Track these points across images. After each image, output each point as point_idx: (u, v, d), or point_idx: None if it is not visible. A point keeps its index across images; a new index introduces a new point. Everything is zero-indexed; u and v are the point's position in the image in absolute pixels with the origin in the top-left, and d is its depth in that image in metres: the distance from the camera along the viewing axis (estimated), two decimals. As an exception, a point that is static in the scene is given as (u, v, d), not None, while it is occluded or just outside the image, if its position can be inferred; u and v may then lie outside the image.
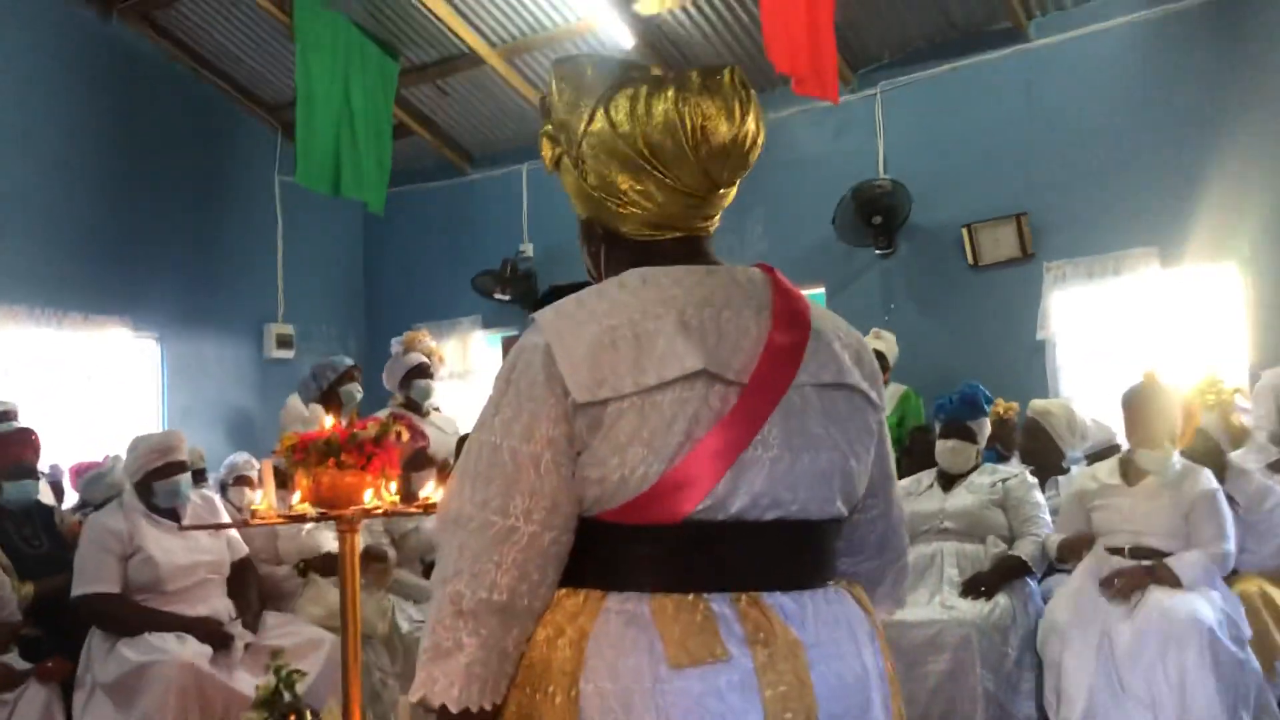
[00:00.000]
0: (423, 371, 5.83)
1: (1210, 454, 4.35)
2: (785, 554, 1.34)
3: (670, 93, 1.35)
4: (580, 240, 1.54)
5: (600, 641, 1.27)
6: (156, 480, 4.00)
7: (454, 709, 1.27)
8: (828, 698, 1.28)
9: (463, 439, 5.36)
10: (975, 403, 4.69)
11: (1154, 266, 5.94)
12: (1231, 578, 4.11)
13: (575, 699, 1.26)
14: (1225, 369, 5.06)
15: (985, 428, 4.76)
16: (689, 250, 1.43)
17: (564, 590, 1.33)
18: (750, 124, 1.37)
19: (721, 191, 1.42)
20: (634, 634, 1.26)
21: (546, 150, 1.49)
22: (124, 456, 5.26)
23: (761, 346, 1.33)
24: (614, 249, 1.46)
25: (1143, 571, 3.92)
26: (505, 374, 1.36)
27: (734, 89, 1.36)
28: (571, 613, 1.31)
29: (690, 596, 1.28)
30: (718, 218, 1.47)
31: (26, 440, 4.62)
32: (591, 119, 1.39)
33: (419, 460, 4.61)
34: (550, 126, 1.48)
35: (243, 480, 5.37)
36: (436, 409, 6.04)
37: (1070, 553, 4.19)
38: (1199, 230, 5.74)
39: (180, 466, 4.07)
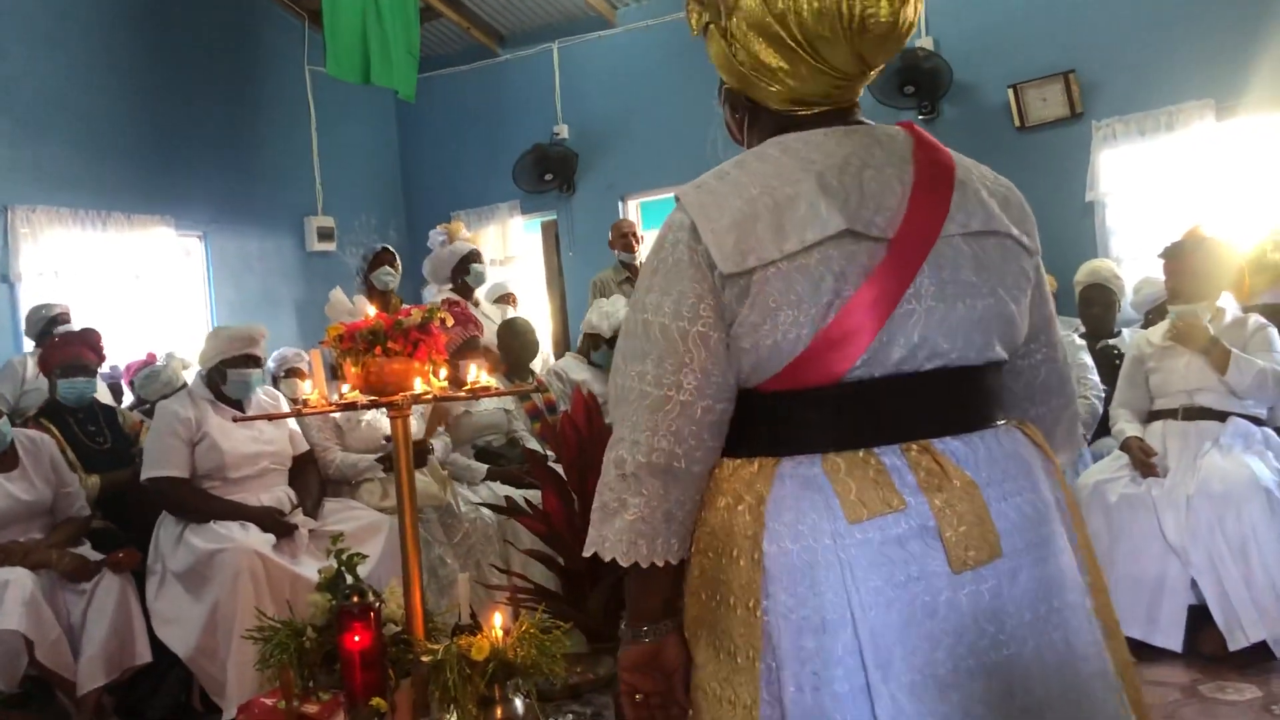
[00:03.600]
0: (475, 257, 5.86)
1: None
2: (950, 400, 1.36)
3: None
4: (722, 104, 1.53)
5: (778, 505, 1.31)
6: (231, 369, 4.06)
7: (624, 563, 1.34)
8: (1009, 532, 1.31)
9: (504, 324, 5.40)
10: None
11: (1209, 119, 5.75)
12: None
13: (759, 561, 1.31)
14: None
15: None
16: (832, 119, 1.42)
17: (739, 461, 1.37)
18: (910, 8, 1.34)
19: (872, 73, 1.40)
20: (810, 495, 1.30)
21: (694, 16, 1.46)
22: (175, 354, 5.37)
23: (906, 201, 1.33)
24: (758, 118, 1.45)
25: (1205, 333, 3.89)
26: (655, 252, 1.38)
27: None
28: (748, 480, 1.35)
29: (860, 453, 1.31)
30: (861, 91, 1.45)
31: (86, 340, 4.67)
32: None
33: (470, 347, 4.62)
34: None
35: (293, 372, 5.45)
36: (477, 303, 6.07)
37: (1134, 458, 4.03)
38: (1257, 78, 5.54)
39: (255, 361, 4.13)
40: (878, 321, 1.29)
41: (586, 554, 1.38)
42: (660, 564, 1.35)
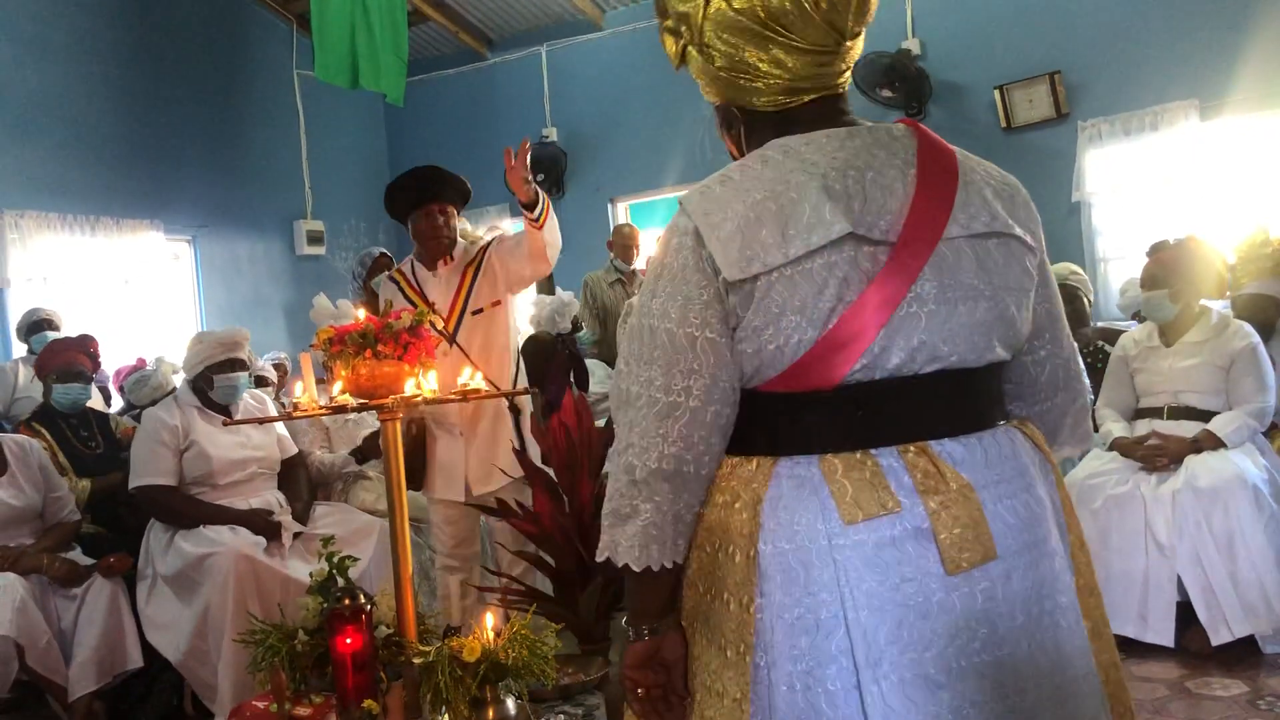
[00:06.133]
0: None
1: (1261, 310, 4.30)
2: (948, 402, 1.37)
3: None
4: (719, 128, 1.54)
5: (774, 505, 1.33)
6: (217, 374, 4.05)
7: (636, 568, 1.36)
8: (1004, 535, 1.32)
9: (529, 339, 5.41)
10: None
11: (1193, 119, 5.79)
12: (1271, 432, 4.11)
13: (754, 559, 1.33)
14: (1273, 221, 4.92)
15: None
16: (827, 112, 1.43)
17: (738, 459, 1.38)
18: None
19: (849, 44, 1.41)
20: (806, 495, 1.32)
21: (670, 46, 1.50)
22: (165, 359, 5.37)
23: (909, 203, 1.33)
24: (754, 127, 1.46)
25: (1186, 444, 3.91)
26: (659, 258, 1.40)
27: None
28: (745, 479, 1.36)
29: (858, 454, 1.32)
30: (849, 73, 1.46)
31: (83, 347, 4.66)
32: (708, 2, 1.39)
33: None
34: (670, 21, 1.48)
35: (259, 381, 5.43)
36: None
37: (1127, 453, 4.05)
38: (1240, 79, 5.58)
39: (241, 364, 4.11)
40: (879, 325, 1.30)
41: (600, 558, 1.40)
42: (669, 565, 1.38)
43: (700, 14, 1.40)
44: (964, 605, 1.29)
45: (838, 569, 1.28)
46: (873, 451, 1.32)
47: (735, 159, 1.51)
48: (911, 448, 1.32)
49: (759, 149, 1.40)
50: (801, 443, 1.34)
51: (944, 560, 1.28)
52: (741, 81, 1.41)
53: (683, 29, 1.45)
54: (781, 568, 1.31)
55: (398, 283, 3.86)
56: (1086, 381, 1.62)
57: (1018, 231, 1.42)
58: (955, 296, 1.34)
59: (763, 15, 1.35)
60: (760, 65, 1.39)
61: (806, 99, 1.41)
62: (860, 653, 1.27)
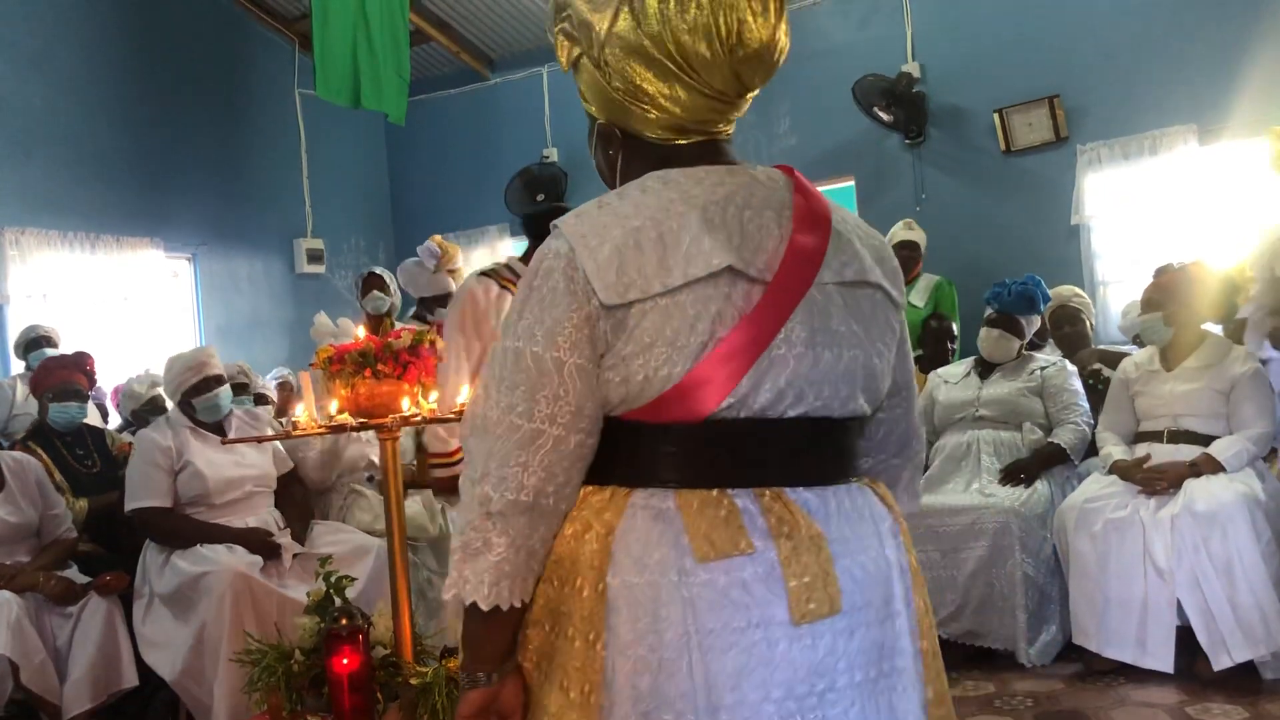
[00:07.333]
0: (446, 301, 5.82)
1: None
2: (808, 450, 1.35)
3: None
4: (594, 144, 1.51)
5: (627, 537, 1.29)
6: (195, 397, 4.05)
7: (484, 606, 1.28)
8: (851, 589, 1.31)
9: None
10: (1032, 300, 4.60)
11: (1192, 144, 5.81)
12: (1270, 457, 4.11)
13: (603, 593, 1.28)
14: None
15: (1034, 324, 4.71)
16: (709, 152, 1.41)
17: (591, 487, 1.34)
18: (781, 28, 1.35)
19: (748, 96, 1.40)
20: (660, 529, 1.28)
21: (563, 50, 1.45)
22: (150, 370, 5.36)
23: (784, 245, 1.32)
24: (633, 154, 1.43)
25: (1184, 468, 3.90)
26: (529, 279, 1.34)
27: None
28: (598, 508, 1.32)
29: (714, 492, 1.29)
30: (735, 120, 1.45)
31: (79, 365, 4.66)
32: (616, 18, 1.34)
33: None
34: (567, 24, 1.43)
35: (260, 398, 5.42)
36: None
37: (1126, 476, 4.03)
38: (1239, 103, 5.60)
39: (216, 380, 4.10)
40: (748, 364, 1.27)
41: (446, 595, 1.32)
42: (518, 604, 1.31)
43: (605, 26, 1.36)
44: (805, 658, 1.27)
45: (685, 607, 1.25)
46: (729, 491, 1.29)
47: (604, 178, 1.49)
48: (767, 492, 1.30)
49: (638, 180, 1.37)
50: (659, 475, 1.31)
51: (791, 608, 1.26)
52: (634, 108, 1.39)
53: (580, 36, 1.40)
54: (629, 602, 1.27)
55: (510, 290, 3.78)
56: (924, 442, 1.64)
57: (885, 284, 1.42)
58: (823, 342, 1.33)
59: (673, 50, 1.32)
60: (659, 98, 1.36)
61: (693, 139, 1.40)
62: (700, 697, 1.24)
